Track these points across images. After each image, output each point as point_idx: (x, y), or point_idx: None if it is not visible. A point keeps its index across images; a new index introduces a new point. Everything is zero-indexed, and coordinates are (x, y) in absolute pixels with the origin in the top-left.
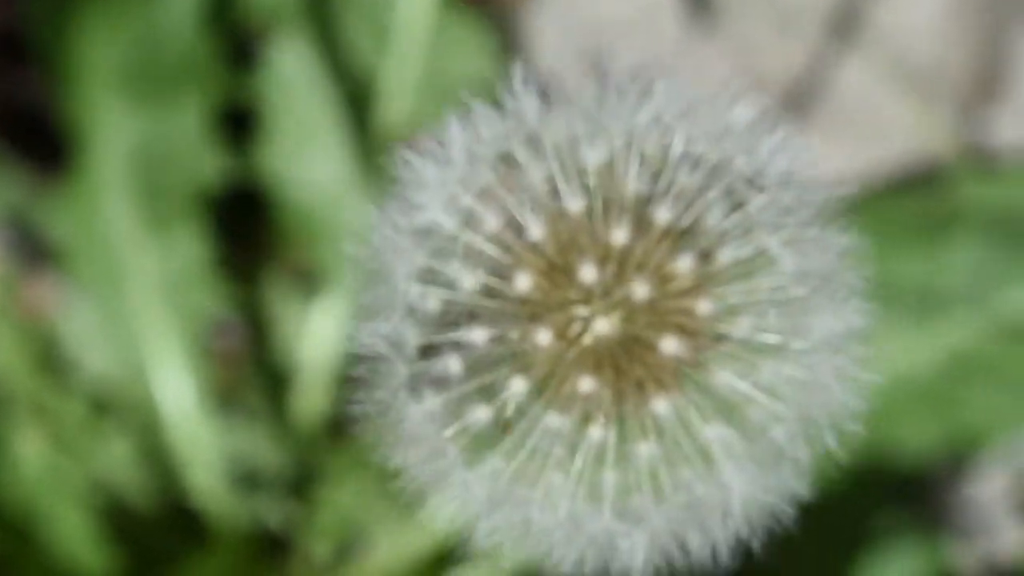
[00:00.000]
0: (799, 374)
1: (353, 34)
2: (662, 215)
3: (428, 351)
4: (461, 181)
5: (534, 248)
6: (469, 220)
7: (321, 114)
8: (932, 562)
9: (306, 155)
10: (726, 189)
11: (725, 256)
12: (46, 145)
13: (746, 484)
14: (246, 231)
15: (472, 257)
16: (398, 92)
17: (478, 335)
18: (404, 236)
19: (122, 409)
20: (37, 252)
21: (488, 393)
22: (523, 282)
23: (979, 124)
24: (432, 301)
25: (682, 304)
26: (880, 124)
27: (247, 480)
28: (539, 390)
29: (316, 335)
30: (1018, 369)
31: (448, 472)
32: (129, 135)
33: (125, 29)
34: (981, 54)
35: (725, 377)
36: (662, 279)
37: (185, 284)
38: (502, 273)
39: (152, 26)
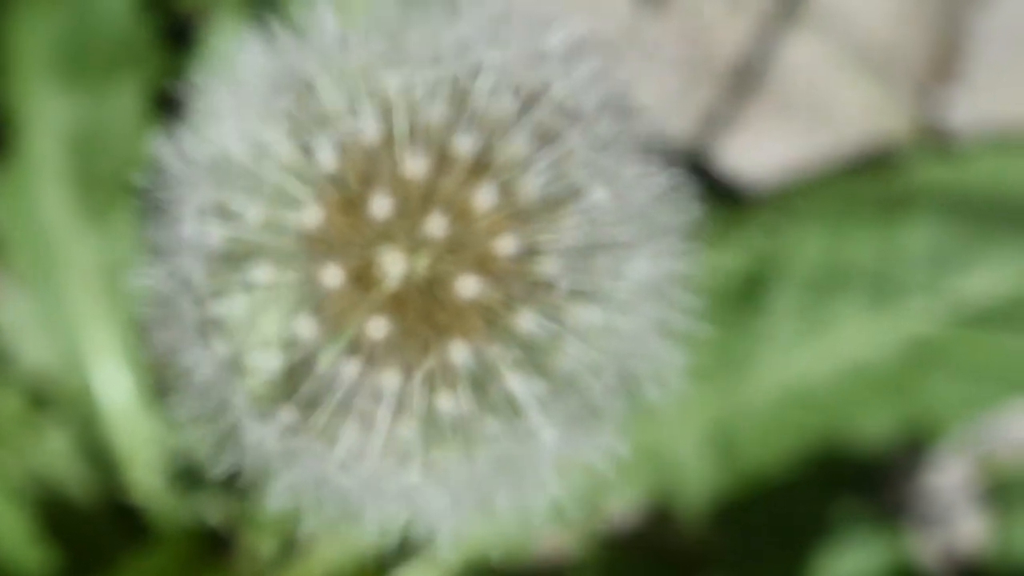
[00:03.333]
0: (614, 321)
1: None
2: (465, 145)
3: (218, 292)
4: (256, 109)
5: (328, 179)
6: (262, 151)
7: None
8: (891, 551)
9: None
10: (539, 119)
11: (533, 190)
12: None
13: (557, 439)
14: None
15: (263, 190)
16: None
17: (262, 274)
18: (194, 168)
19: (59, 402)
20: None
21: (279, 339)
22: (312, 216)
23: (935, 104)
24: (217, 237)
25: (485, 243)
26: (834, 105)
27: (188, 475)
28: (336, 337)
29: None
30: (977, 355)
31: (239, 425)
32: (64, 120)
33: (59, 11)
34: (937, 33)
35: (532, 322)
36: (464, 215)
37: (123, 273)
38: (294, 206)
39: (88, 9)
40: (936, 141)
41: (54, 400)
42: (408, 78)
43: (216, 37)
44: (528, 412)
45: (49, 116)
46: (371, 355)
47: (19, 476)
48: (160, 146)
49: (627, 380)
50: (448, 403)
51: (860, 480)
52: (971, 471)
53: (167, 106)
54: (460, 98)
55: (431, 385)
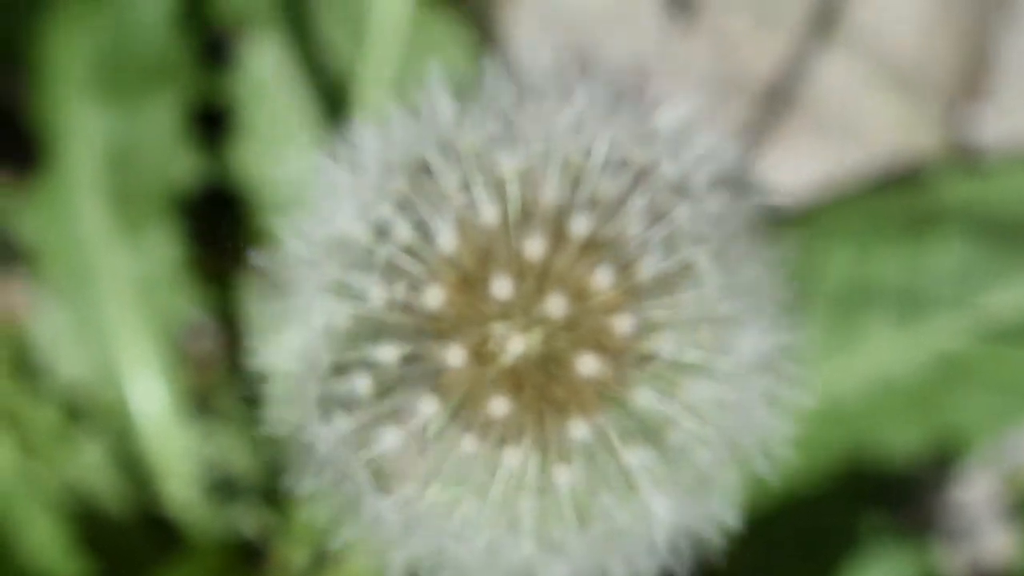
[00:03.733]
0: (725, 395)
1: (328, 31)
2: (581, 225)
3: (340, 369)
4: (373, 188)
5: (447, 260)
6: (381, 230)
7: (295, 113)
8: (918, 565)
9: (280, 155)
10: (650, 197)
11: (647, 269)
12: (17, 145)
13: (670, 511)
14: (219, 232)
15: (383, 269)
16: (374, 90)
17: (388, 353)
18: (315, 246)
19: (95, 414)
20: (8, 254)
21: (401, 415)
22: (435, 296)
23: (964, 121)
24: (342, 316)
25: (601, 321)
26: (863, 121)
27: (222, 486)
28: (454, 412)
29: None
30: (1003, 371)
31: (359, 498)
32: (101, 135)
33: (97, 28)
34: (965, 51)
35: (647, 397)
36: (580, 294)
37: (158, 286)
38: (414, 286)
39: (124, 25)
40: (965, 158)
41: (89, 413)
42: (522, 158)
43: (252, 54)
44: (641, 485)
45: (86, 130)
46: (489, 430)
47: (55, 488)
48: (281, 225)
49: (736, 451)
50: (564, 477)
51: (887, 494)
52: (997, 486)
53: (202, 122)
54: (573, 177)
55: (547, 459)
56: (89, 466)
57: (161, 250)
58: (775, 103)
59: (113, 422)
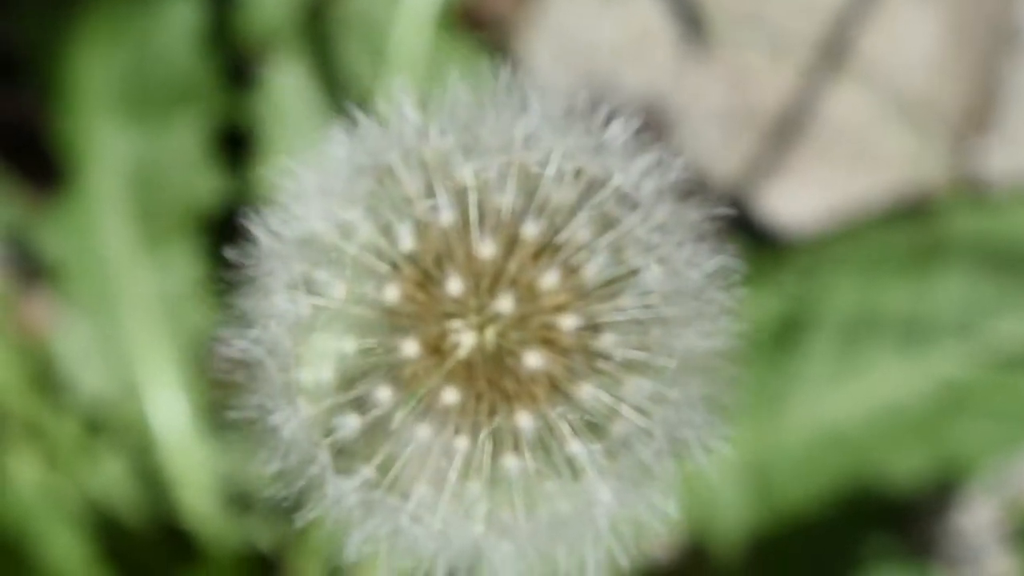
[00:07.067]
0: (665, 392)
1: (349, 56)
2: (532, 230)
3: (303, 359)
4: (340, 192)
5: (407, 259)
6: (346, 230)
7: (316, 135)
8: None
9: None
10: (600, 206)
11: (593, 272)
12: (42, 164)
13: (612, 499)
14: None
15: (346, 266)
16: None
17: (347, 344)
18: (284, 244)
19: (116, 428)
20: (32, 271)
21: (360, 403)
22: (392, 292)
23: (971, 154)
24: (307, 309)
25: (549, 319)
26: (872, 153)
27: (239, 500)
28: (410, 402)
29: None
30: (1006, 399)
31: (321, 480)
32: (125, 154)
33: (122, 49)
34: (973, 85)
35: (591, 392)
36: (530, 294)
37: (180, 303)
38: (375, 283)
39: (149, 46)
40: (971, 191)
41: (110, 426)
42: (480, 166)
43: (275, 77)
44: (585, 475)
45: (110, 150)
46: (443, 419)
47: (76, 500)
48: (253, 224)
49: (676, 444)
50: (513, 464)
51: (890, 520)
52: (998, 512)
53: (226, 143)
54: (528, 185)
55: (497, 447)
56: (110, 479)
57: (183, 268)
58: (786, 134)
59: (134, 436)
